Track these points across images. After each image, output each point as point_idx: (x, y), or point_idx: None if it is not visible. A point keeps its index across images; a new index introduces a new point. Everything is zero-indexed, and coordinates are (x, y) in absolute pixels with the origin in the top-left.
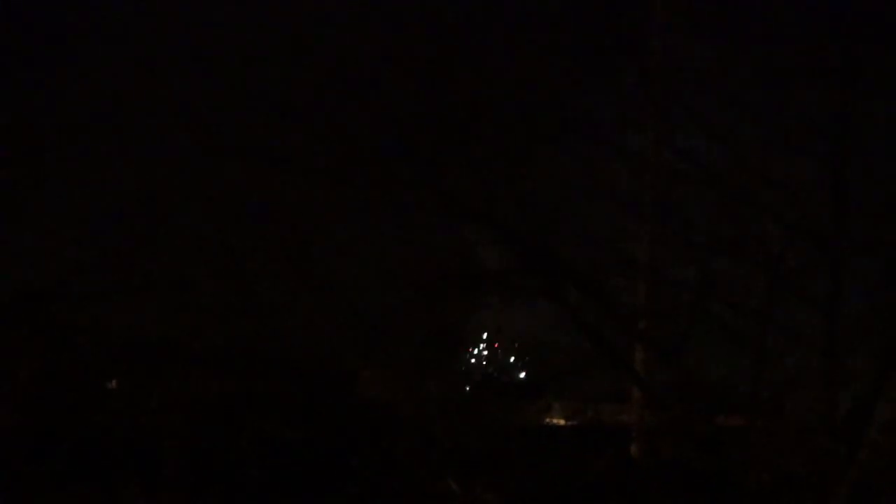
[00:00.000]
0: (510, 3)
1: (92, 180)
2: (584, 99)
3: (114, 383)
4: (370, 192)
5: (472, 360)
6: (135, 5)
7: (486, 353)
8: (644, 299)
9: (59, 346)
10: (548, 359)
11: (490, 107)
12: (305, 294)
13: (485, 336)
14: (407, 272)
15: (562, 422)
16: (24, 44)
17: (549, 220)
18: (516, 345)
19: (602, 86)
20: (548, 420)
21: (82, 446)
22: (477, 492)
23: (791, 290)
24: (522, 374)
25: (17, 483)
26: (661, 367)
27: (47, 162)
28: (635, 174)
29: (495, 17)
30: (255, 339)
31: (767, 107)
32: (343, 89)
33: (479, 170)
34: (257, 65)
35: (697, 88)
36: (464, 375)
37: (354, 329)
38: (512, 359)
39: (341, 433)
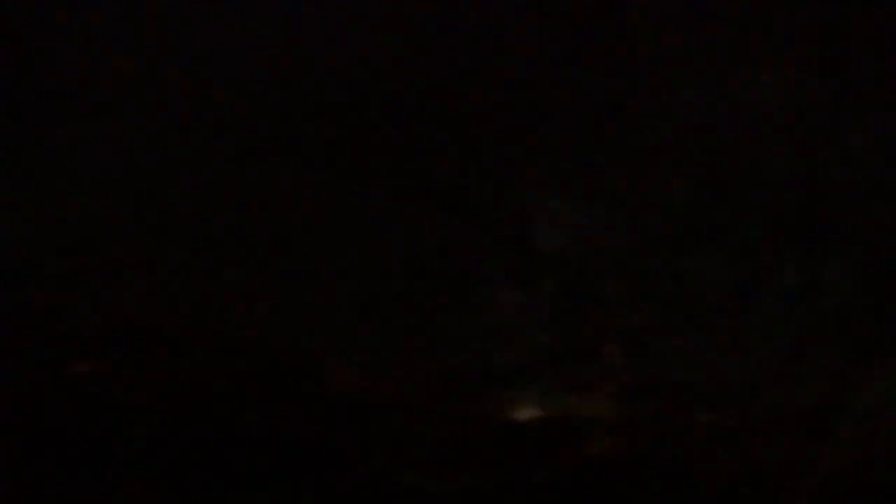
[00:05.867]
0: None
1: (68, 157)
2: (561, 83)
3: (85, 368)
4: (347, 175)
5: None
6: None
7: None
8: (617, 289)
9: (30, 328)
10: (520, 348)
11: (466, 92)
12: (279, 278)
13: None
14: (386, 260)
15: (531, 414)
16: None
17: (525, 208)
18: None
19: (577, 66)
20: (517, 412)
21: (48, 432)
22: (443, 484)
23: (764, 283)
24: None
25: None
26: (632, 359)
27: (24, 139)
28: (610, 159)
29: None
30: (226, 324)
31: (744, 89)
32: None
33: (456, 155)
34: (235, 43)
35: (673, 69)
36: (438, 363)
37: (328, 314)
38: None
39: (307, 422)
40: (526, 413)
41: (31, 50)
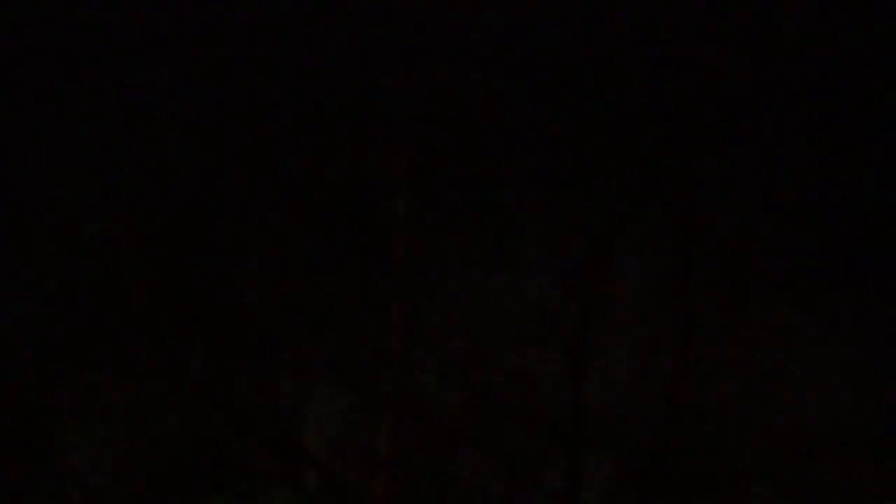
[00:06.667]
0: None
1: None
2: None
3: None
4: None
5: None
6: None
7: None
8: (382, 488)
9: None
10: None
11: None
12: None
13: None
14: (151, 452)
15: None
16: None
17: (291, 405)
18: None
19: (346, 278)
20: None
21: None
22: None
23: (529, 485)
24: None
25: None
26: None
27: None
28: (378, 365)
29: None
30: None
31: (507, 298)
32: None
33: (221, 354)
34: None
35: (442, 281)
36: None
37: None
38: None
39: None
40: None
41: None
